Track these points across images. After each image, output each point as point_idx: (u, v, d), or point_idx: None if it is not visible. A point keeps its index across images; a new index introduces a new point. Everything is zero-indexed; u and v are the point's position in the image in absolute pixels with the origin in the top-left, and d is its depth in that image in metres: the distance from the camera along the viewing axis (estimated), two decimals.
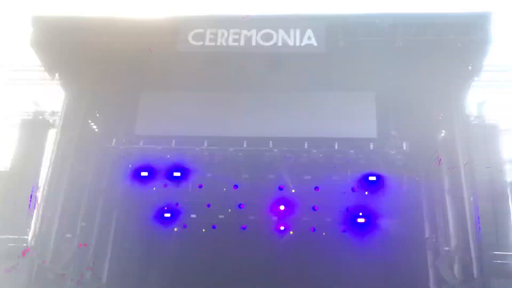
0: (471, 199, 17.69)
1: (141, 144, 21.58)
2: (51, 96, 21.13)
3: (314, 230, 25.33)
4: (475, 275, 17.12)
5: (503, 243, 16.65)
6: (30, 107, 21.19)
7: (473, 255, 17.48)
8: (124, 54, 18.91)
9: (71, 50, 19.46)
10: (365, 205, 23.59)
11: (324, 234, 25.31)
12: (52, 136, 20.38)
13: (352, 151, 20.45)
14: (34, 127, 20.69)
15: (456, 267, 19.33)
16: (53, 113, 21.04)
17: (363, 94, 20.66)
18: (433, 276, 21.40)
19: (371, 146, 20.33)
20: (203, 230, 25.69)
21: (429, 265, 21.72)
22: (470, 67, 18.55)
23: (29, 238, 18.53)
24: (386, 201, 22.77)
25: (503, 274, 16.28)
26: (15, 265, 16.58)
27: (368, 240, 24.66)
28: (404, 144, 20.15)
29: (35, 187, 19.12)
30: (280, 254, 24.59)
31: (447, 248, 20.02)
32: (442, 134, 21.16)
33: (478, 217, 17.10)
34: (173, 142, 21.47)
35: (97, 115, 22.87)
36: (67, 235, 20.83)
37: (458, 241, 19.22)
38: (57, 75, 20.32)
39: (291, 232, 25.30)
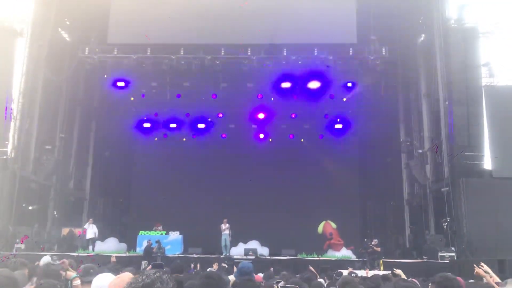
0: (446, 102, 18.05)
1: (115, 53, 20.90)
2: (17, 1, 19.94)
3: (292, 137, 25.78)
4: (446, 175, 18.00)
5: (474, 144, 17.29)
6: None
7: (444, 156, 18.25)
8: None
9: None
10: (343, 111, 23.94)
11: (302, 140, 25.80)
12: (21, 45, 19.55)
13: (331, 57, 20.25)
14: (1, 36, 19.68)
15: (428, 168, 20.25)
16: (20, 21, 19.97)
17: None
18: (407, 176, 22.45)
19: (351, 52, 20.12)
20: (184, 139, 25.84)
21: (403, 166, 22.69)
22: None
23: (8, 150, 18.47)
24: (364, 106, 23.09)
25: (472, 174, 17.09)
26: None
27: (345, 145, 25.34)
28: (383, 49, 19.98)
29: (9, 99, 18.67)
30: (260, 161, 25.12)
31: (420, 151, 20.80)
32: (422, 38, 21.02)
33: (452, 120, 17.57)
34: (149, 51, 20.86)
35: (67, 22, 21.84)
36: (47, 147, 20.80)
37: (432, 143, 19.94)
38: None
39: (270, 140, 25.72)
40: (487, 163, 17.19)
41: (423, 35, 20.92)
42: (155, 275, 1.94)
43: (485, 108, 17.53)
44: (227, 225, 19.48)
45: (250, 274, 5.49)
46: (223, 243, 19.36)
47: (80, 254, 17.26)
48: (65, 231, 20.82)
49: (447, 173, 17.91)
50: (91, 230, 19.66)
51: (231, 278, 6.29)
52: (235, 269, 9.81)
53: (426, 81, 20.57)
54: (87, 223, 19.99)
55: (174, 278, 5.62)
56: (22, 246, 17.58)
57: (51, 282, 4.25)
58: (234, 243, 19.94)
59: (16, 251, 16.92)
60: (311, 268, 12.75)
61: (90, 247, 19.30)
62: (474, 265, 5.31)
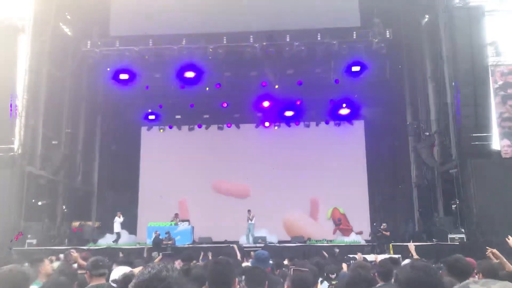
0: (453, 83, 17.86)
1: (117, 45, 20.86)
2: None
3: (298, 124, 25.69)
4: (453, 157, 17.89)
5: (482, 125, 17.13)
6: None
7: (452, 138, 18.12)
8: None
9: None
10: (348, 96, 23.78)
11: (308, 127, 25.69)
12: (23, 42, 19.52)
13: (335, 42, 20.06)
14: (2, 33, 19.64)
15: (436, 150, 20.14)
16: (21, 18, 19.92)
17: None
18: (414, 159, 22.35)
19: (354, 35, 19.92)
20: (189, 129, 25.86)
21: (410, 149, 22.59)
22: None
23: (15, 147, 18.55)
24: (369, 90, 22.90)
25: (480, 155, 16.96)
26: None
27: (351, 129, 25.26)
28: (387, 31, 19.77)
29: (14, 96, 18.70)
30: (265, 149, 25.11)
31: (428, 133, 20.67)
32: (426, 19, 20.75)
33: (459, 101, 17.39)
34: (151, 42, 20.79)
35: (68, 17, 21.78)
36: (54, 142, 20.90)
37: (439, 125, 19.80)
38: None
39: (276, 127, 25.66)
40: (496, 143, 17.04)
41: (427, 16, 20.64)
42: (160, 266, 1.98)
43: (492, 87, 17.34)
44: (252, 214, 19.62)
45: (266, 261, 5.51)
46: (248, 233, 19.55)
47: (91, 248, 17.43)
48: (75, 225, 21.02)
49: (455, 154, 17.79)
50: (118, 224, 20.02)
51: (246, 265, 6.32)
52: (238, 256, 9.88)
53: (432, 63, 20.35)
54: (116, 216, 20.26)
55: (182, 267, 5.63)
56: (34, 241, 17.79)
57: (62, 280, 4.23)
58: (243, 231, 20.05)
59: (28, 246, 17.15)
60: (324, 252, 12.85)
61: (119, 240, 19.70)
62: (488, 247, 5.31)
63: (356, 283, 3.74)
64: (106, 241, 20.19)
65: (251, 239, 19.18)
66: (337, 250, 13.12)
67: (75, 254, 6.51)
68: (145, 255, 15.66)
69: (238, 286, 3.79)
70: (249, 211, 19.78)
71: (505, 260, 5.08)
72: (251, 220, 19.58)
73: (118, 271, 4.63)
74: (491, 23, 18.11)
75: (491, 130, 17.04)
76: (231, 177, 24.92)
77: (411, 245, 8.60)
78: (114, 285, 3.58)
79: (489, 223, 15.53)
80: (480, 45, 17.62)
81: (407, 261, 6.48)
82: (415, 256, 8.07)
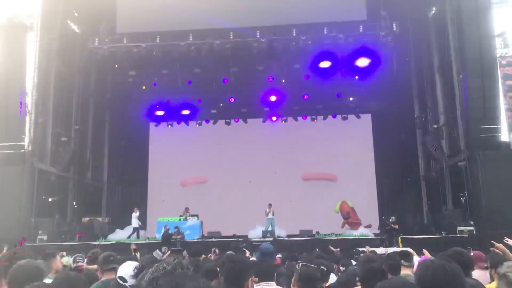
0: (460, 76, 17.77)
1: (125, 42, 20.93)
2: None
3: (305, 118, 25.69)
4: (462, 149, 17.81)
5: (490, 117, 17.02)
6: (4, 10, 20.12)
7: (460, 130, 18.05)
8: None
9: None
10: (355, 89, 23.73)
11: (315, 121, 25.68)
12: (32, 39, 19.66)
13: (341, 36, 19.98)
14: (11, 31, 19.78)
15: (444, 143, 20.06)
16: (29, 15, 20.06)
17: None
18: (422, 152, 22.28)
19: (361, 29, 19.83)
20: (197, 125, 25.96)
21: (418, 142, 22.51)
22: None
23: (25, 144, 18.74)
24: (376, 83, 22.82)
25: (489, 146, 16.87)
26: None
27: (359, 123, 25.21)
28: (394, 24, 19.65)
29: (23, 93, 18.86)
30: (273, 143, 25.14)
31: (435, 126, 20.58)
32: (433, 11, 20.62)
33: (467, 93, 17.30)
34: (158, 38, 20.84)
35: (76, 14, 21.90)
36: (63, 139, 21.07)
37: (447, 118, 19.71)
38: None
39: (283, 122, 25.67)
40: (504, 135, 16.94)
41: (434, 8, 20.51)
42: (174, 262, 1.95)
43: (500, 79, 17.22)
44: (272, 209, 19.52)
45: (271, 255, 5.55)
46: (267, 227, 19.39)
47: (101, 243, 17.60)
48: (85, 220, 21.24)
49: (463, 146, 17.72)
50: (135, 219, 20.23)
51: (252, 259, 6.38)
52: (247, 253, 9.92)
53: (439, 55, 20.24)
54: (133, 212, 20.46)
55: (192, 261, 5.72)
56: (45, 237, 17.99)
57: (72, 275, 4.28)
58: (251, 225, 20.10)
59: (39, 242, 17.35)
60: (331, 248, 12.85)
61: (134, 235, 19.83)
62: (493, 241, 5.31)
63: (373, 273, 3.78)
64: (116, 236, 20.37)
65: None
66: (333, 249, 12.76)
67: (83, 267, 6.60)
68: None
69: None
70: (270, 205, 19.61)
71: (509, 253, 5.10)
72: (272, 215, 19.41)
73: (125, 267, 4.60)
74: (499, 14, 17.95)
75: (500, 122, 16.93)
76: (238, 170, 24.98)
77: (425, 252, 8.30)
78: (121, 282, 3.62)
79: (499, 215, 15.47)
80: (487, 37, 17.47)
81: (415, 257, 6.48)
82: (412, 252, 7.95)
